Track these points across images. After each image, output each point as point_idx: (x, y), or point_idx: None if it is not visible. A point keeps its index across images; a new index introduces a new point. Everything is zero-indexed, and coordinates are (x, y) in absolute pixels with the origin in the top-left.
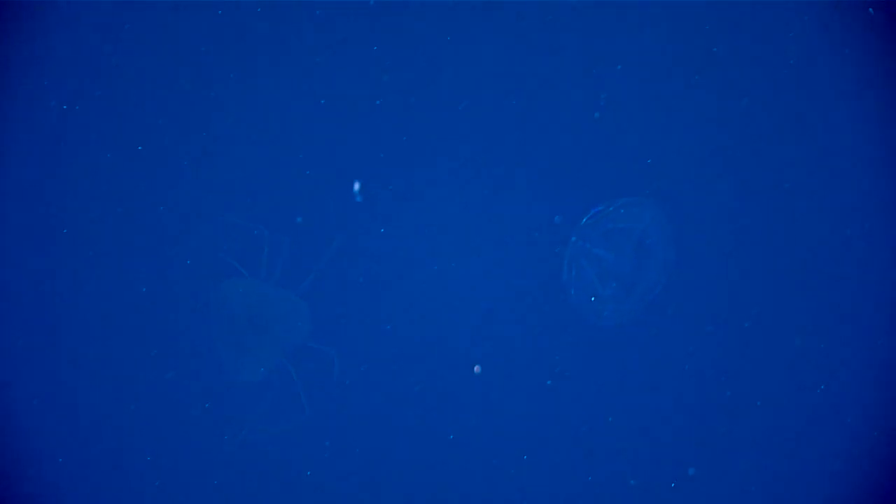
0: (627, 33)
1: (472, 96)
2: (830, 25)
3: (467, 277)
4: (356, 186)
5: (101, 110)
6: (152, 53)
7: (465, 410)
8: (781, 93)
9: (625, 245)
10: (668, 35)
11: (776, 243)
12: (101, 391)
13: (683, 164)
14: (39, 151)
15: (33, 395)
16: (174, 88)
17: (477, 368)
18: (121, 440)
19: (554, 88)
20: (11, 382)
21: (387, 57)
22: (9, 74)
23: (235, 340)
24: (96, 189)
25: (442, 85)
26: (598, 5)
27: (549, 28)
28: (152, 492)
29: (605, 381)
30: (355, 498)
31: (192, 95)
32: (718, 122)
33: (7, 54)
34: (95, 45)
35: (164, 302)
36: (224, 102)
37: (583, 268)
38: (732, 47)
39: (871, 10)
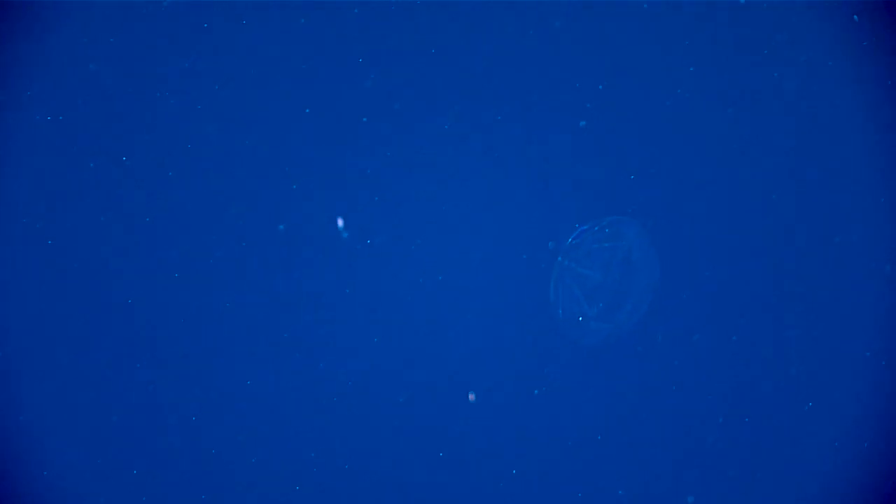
0: (611, 48)
1: (457, 111)
2: (819, 37)
3: (454, 293)
4: (340, 223)
5: (84, 120)
6: (135, 63)
7: (453, 428)
8: (767, 108)
9: (611, 264)
10: (651, 49)
11: (762, 259)
12: (86, 402)
13: (668, 180)
14: (23, 161)
15: (22, 406)
16: (158, 99)
17: (472, 396)
18: (106, 452)
19: (539, 103)
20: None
21: (373, 68)
22: None
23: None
24: (80, 199)
25: (430, 94)
26: (582, 20)
27: (536, 40)
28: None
29: (595, 398)
30: None
31: (178, 105)
32: (703, 139)
33: None
34: (72, 56)
35: (150, 311)
36: (211, 112)
37: (569, 287)
38: (713, 61)
39: (855, 17)
